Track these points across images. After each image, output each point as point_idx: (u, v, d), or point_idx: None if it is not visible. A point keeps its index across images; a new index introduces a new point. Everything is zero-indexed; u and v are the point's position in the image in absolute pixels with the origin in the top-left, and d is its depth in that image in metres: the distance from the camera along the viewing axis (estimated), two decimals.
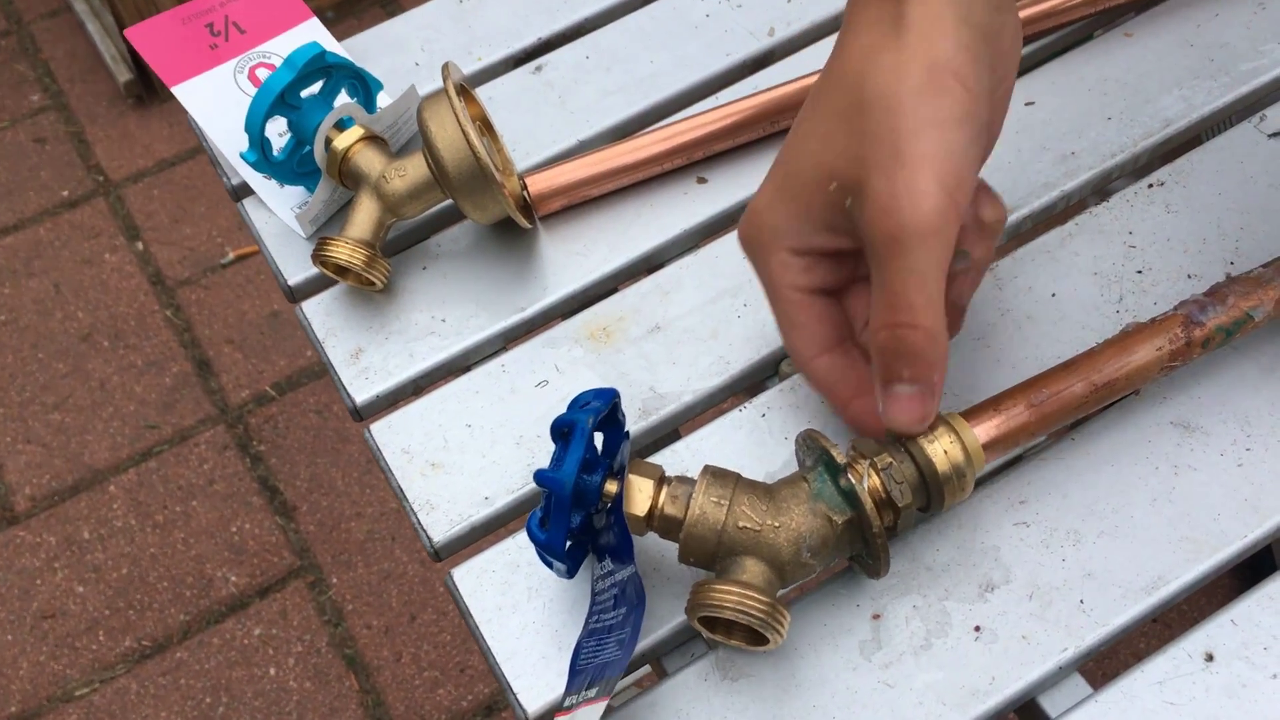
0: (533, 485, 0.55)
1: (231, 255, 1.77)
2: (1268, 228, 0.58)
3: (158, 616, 1.45)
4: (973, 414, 0.50)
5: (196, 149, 1.90)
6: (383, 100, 0.69)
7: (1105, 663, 0.51)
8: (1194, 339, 0.51)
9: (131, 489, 1.56)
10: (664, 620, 0.51)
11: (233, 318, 1.71)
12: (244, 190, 0.68)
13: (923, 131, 0.44)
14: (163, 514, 1.53)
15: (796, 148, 0.49)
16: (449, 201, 0.63)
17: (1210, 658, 0.47)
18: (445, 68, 0.60)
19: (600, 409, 0.49)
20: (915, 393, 0.47)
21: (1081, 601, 0.49)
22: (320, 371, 1.64)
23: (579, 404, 0.50)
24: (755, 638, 0.48)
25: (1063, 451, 0.53)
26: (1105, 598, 0.49)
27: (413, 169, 0.61)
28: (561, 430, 0.49)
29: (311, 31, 0.72)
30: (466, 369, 0.61)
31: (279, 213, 0.67)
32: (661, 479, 0.49)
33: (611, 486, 0.49)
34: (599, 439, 0.51)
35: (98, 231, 1.84)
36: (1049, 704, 0.48)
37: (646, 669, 0.56)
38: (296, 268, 0.65)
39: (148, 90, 1.95)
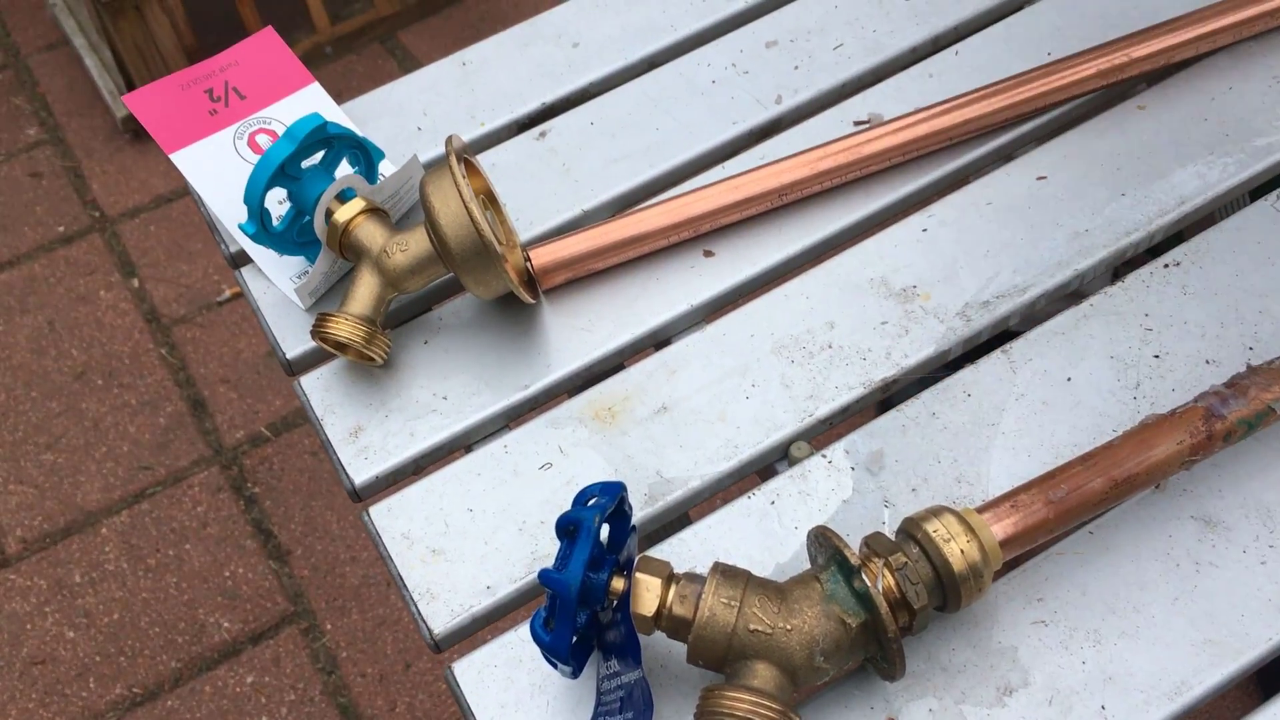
0: (539, 570, 0.54)
1: (228, 293, 1.76)
2: None
3: (149, 663, 1.43)
4: (989, 510, 0.49)
5: None
6: (385, 168, 0.68)
7: None
8: (1215, 432, 0.50)
9: (124, 531, 1.54)
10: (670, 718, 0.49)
11: (228, 356, 1.70)
12: (242, 258, 0.67)
13: None
14: (155, 557, 1.51)
15: None
16: (451, 274, 0.62)
17: None
18: (449, 140, 0.59)
19: (606, 505, 0.47)
20: None
21: (1103, 707, 0.47)
22: None
23: (584, 499, 0.48)
24: None
25: (1081, 545, 0.52)
26: (1127, 703, 0.47)
27: (415, 243, 0.60)
28: (567, 529, 0.47)
29: (313, 97, 0.70)
30: (468, 448, 0.59)
31: (278, 283, 0.65)
32: (670, 577, 0.48)
33: (618, 583, 0.48)
34: (605, 531, 0.50)
35: (93, 268, 1.82)
36: None
37: None
38: (295, 340, 0.63)
39: None
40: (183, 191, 1.89)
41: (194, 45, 1.95)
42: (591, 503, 0.48)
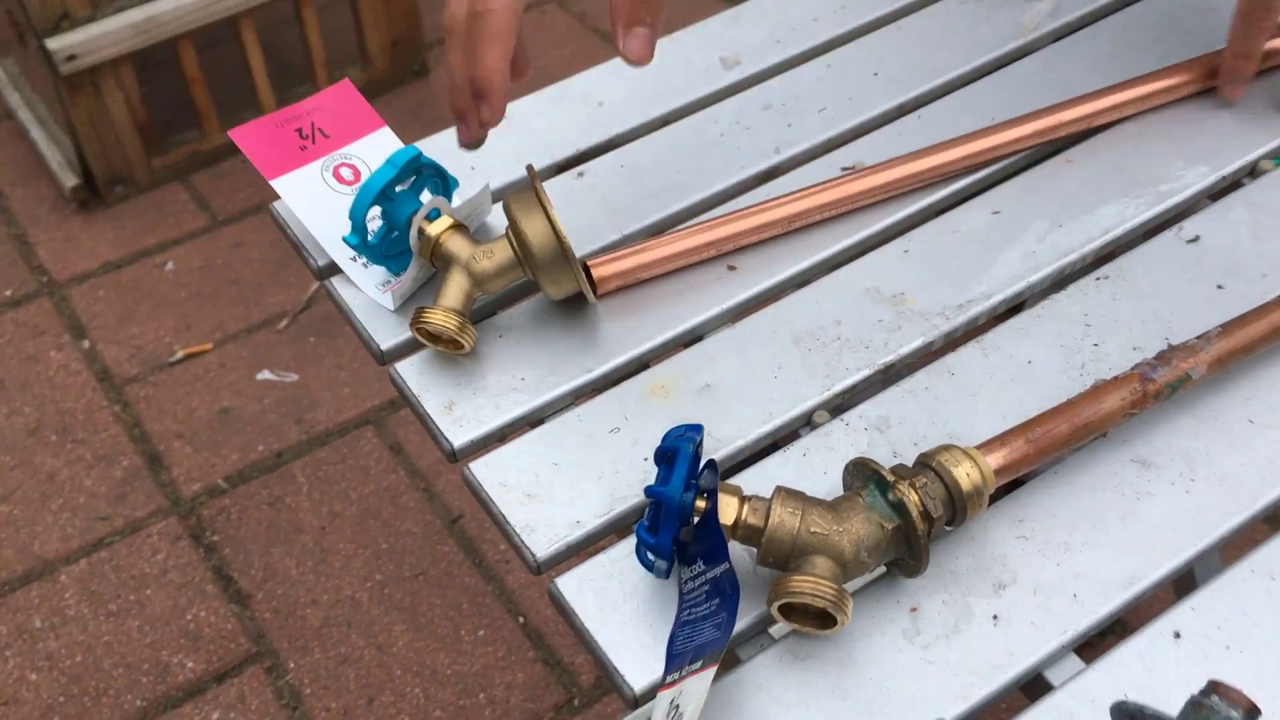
0: (618, 509, 0.66)
1: (180, 354, 1.83)
2: (1191, 312, 0.73)
3: (114, 702, 1.48)
4: (985, 447, 0.63)
5: (142, 252, 1.97)
6: (454, 197, 0.80)
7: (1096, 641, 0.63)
8: (1148, 392, 0.65)
9: (83, 578, 1.59)
10: (737, 617, 0.61)
11: (182, 413, 1.77)
12: (329, 270, 0.78)
13: None
14: (116, 603, 1.57)
15: None
16: (523, 279, 0.74)
17: (1178, 635, 0.60)
18: (530, 168, 0.72)
19: (695, 437, 0.60)
20: (648, 35, 0.64)
21: (1075, 595, 0.61)
22: (272, 465, 1.70)
23: (674, 435, 0.61)
24: (824, 621, 0.59)
25: (1048, 481, 0.66)
26: (1093, 593, 0.61)
27: (499, 251, 0.72)
28: (665, 455, 0.60)
29: (383, 139, 0.83)
30: (542, 420, 0.71)
31: (365, 289, 0.77)
32: (743, 497, 0.61)
33: (700, 503, 0.60)
34: None
35: (43, 329, 1.88)
36: (1052, 676, 0.60)
37: None
38: (385, 335, 0.75)
39: (94, 195, 2.02)
40: (131, 258, 1.97)
41: (145, 121, 2.03)
42: (683, 436, 0.60)
